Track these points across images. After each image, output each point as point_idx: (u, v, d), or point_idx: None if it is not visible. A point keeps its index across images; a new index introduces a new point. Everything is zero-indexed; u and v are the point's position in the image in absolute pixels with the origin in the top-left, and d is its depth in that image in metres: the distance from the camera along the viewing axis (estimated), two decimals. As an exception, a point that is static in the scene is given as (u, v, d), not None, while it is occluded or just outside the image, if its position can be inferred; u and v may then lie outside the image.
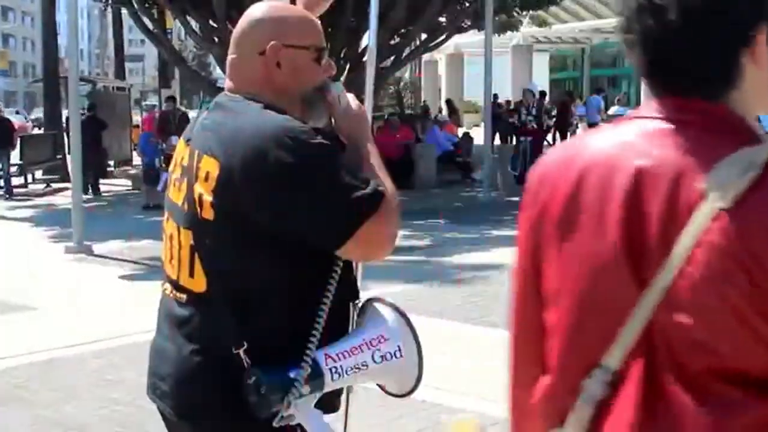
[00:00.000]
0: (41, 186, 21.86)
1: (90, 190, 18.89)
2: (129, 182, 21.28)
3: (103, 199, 19.14)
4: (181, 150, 2.36)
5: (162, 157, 17.01)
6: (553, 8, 31.86)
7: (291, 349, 2.16)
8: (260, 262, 2.19)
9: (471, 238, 12.70)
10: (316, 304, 2.20)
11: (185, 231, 2.26)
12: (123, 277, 10.41)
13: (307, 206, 2.13)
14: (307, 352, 2.15)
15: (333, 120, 2.38)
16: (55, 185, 21.59)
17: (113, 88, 29.58)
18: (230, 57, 2.37)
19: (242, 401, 2.14)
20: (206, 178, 2.18)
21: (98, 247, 12.04)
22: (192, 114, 39.19)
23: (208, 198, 2.17)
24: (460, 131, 25.47)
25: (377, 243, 2.21)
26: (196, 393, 2.25)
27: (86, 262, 11.35)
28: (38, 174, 22.65)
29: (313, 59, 2.35)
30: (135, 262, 11.15)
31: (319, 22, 2.42)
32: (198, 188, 2.19)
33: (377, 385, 2.40)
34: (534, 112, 19.84)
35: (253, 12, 2.36)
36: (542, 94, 21.28)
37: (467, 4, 21.75)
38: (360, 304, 2.36)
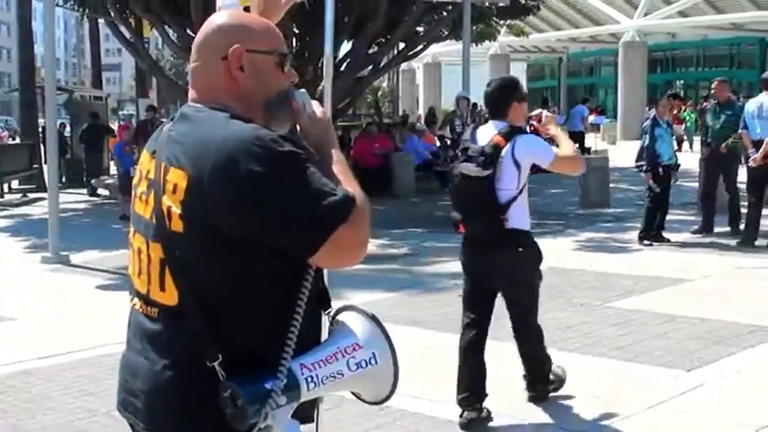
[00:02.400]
0: (17, 196, 21.73)
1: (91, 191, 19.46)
2: (106, 192, 21.19)
3: (80, 209, 19.04)
4: (146, 163, 2.34)
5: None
6: (530, 18, 31.97)
7: (266, 360, 2.15)
8: (231, 274, 2.17)
9: (449, 247, 12.69)
10: (289, 314, 2.19)
11: (154, 244, 2.24)
12: (100, 287, 10.36)
13: (278, 215, 2.11)
14: (283, 362, 2.15)
15: (298, 127, 2.39)
16: (31, 195, 21.47)
17: (90, 97, 29.47)
18: (192, 64, 2.37)
19: (218, 416, 2.13)
20: (174, 190, 2.16)
21: (75, 257, 11.99)
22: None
23: (176, 210, 2.16)
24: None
25: (349, 249, 2.20)
26: (169, 409, 2.23)
27: (63, 272, 11.29)
28: (14, 184, 22.52)
29: (275, 64, 2.34)
30: (112, 272, 11.09)
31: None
32: (166, 201, 2.18)
33: (352, 393, 2.40)
34: (469, 121, 16.71)
35: (214, 19, 2.37)
36: (474, 105, 18.67)
37: (445, 14, 21.82)
38: (332, 313, 2.36)
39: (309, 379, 2.17)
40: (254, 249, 2.15)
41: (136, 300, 2.35)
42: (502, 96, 5.66)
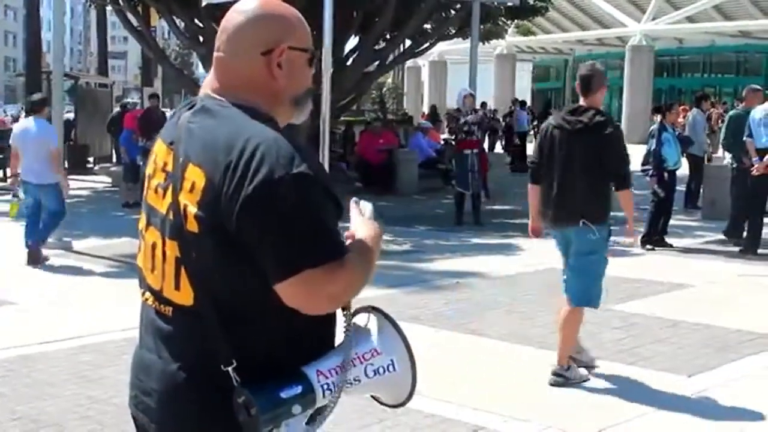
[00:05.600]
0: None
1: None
2: (109, 179, 21.18)
3: (83, 196, 19.03)
4: (162, 153, 2.24)
5: (143, 156, 16.95)
6: (537, 18, 31.96)
7: (282, 365, 2.10)
8: (247, 277, 2.09)
9: (451, 245, 12.71)
10: (306, 318, 2.12)
11: (171, 242, 2.16)
12: (102, 274, 10.36)
13: (273, 232, 2.03)
14: (300, 369, 2.10)
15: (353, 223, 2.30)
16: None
17: (95, 84, 29.49)
18: (219, 54, 2.23)
19: (231, 420, 2.08)
20: (191, 189, 2.09)
21: (78, 244, 12.00)
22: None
23: (192, 210, 2.09)
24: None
25: (313, 296, 2.07)
26: (182, 411, 2.17)
27: (66, 259, 11.28)
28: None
29: (307, 61, 2.26)
30: (114, 260, 11.10)
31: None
32: (183, 199, 2.11)
33: (371, 396, 2.35)
34: (476, 119, 15.48)
35: (248, 6, 2.21)
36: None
37: (453, 12, 21.80)
38: (350, 314, 2.25)
39: (325, 386, 2.11)
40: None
41: (148, 295, 2.28)
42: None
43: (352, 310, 2.25)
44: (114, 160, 23.88)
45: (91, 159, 25.10)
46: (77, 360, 6.75)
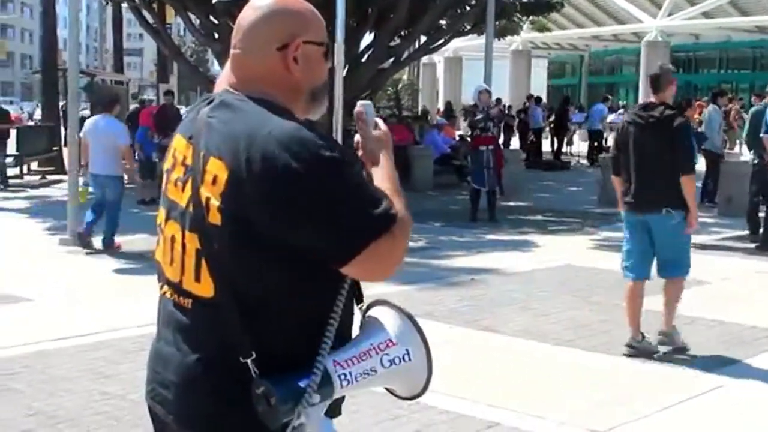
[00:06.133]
0: (37, 177, 21.81)
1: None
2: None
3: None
4: (181, 148, 2.25)
5: (159, 152, 17.00)
6: (553, 14, 31.85)
7: (300, 357, 2.10)
8: (269, 269, 2.10)
9: (465, 242, 12.71)
10: (325, 311, 2.14)
11: (191, 234, 2.16)
12: (117, 270, 10.40)
13: (315, 220, 2.04)
14: (318, 359, 2.10)
15: (357, 137, 2.35)
16: (50, 177, 21.55)
17: (111, 81, 29.59)
18: (236, 51, 2.25)
19: (250, 412, 2.08)
20: (213, 182, 2.09)
21: (94, 241, 12.01)
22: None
23: (215, 202, 2.08)
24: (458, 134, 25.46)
25: (384, 264, 2.12)
26: (200, 403, 2.17)
27: (80, 255, 11.32)
28: (34, 166, 22.59)
29: (323, 54, 2.28)
30: (129, 256, 11.13)
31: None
32: (204, 192, 2.10)
33: (385, 388, 2.35)
34: (495, 114, 15.46)
35: (263, 3, 2.24)
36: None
37: (468, 8, 21.77)
38: (364, 307, 2.30)
39: (342, 376, 2.13)
40: (290, 247, 2.08)
41: (166, 288, 2.28)
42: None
43: (365, 304, 2.28)
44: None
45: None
46: (93, 356, 6.78)
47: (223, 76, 2.31)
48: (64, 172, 17.60)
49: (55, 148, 22.83)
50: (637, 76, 43.72)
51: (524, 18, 28.74)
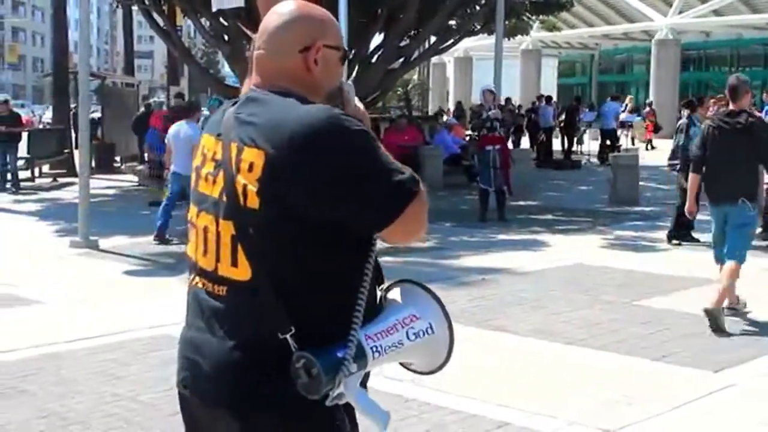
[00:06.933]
0: (48, 180, 21.89)
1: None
2: (136, 178, 21.30)
3: (109, 195, 19.16)
4: (210, 145, 2.42)
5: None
6: (562, 13, 31.82)
7: (334, 331, 2.23)
8: (304, 249, 2.25)
9: (476, 242, 12.70)
10: (355, 287, 2.28)
11: (225, 222, 2.30)
12: (127, 272, 10.43)
13: (357, 191, 2.21)
14: (352, 332, 2.23)
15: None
16: (61, 179, 21.62)
17: (122, 83, 29.65)
18: (260, 53, 2.42)
19: (289, 389, 2.19)
20: (250, 169, 2.23)
21: (104, 243, 12.06)
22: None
23: (252, 188, 2.23)
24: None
25: (419, 223, 2.32)
26: (240, 384, 2.27)
27: (91, 257, 11.36)
28: (45, 168, 22.67)
29: (339, 59, 2.46)
30: (140, 258, 11.17)
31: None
32: (241, 179, 2.24)
33: (401, 365, 2.47)
34: (496, 114, 15.01)
35: (286, 9, 2.41)
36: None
37: (478, 8, 21.75)
38: (384, 287, 2.45)
39: (374, 348, 2.26)
40: (327, 225, 2.23)
41: (197, 279, 2.42)
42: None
43: (385, 285, 2.44)
44: (140, 160, 24.01)
45: (117, 158, 25.23)
46: (103, 358, 6.80)
47: (246, 82, 2.50)
48: (75, 175, 17.67)
49: (66, 151, 22.91)
50: (647, 75, 43.65)
51: (534, 17, 28.70)
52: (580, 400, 5.88)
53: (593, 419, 5.52)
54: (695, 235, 12.45)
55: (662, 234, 12.69)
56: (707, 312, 7.55)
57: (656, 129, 33.61)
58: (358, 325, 2.25)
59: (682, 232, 12.33)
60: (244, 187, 2.24)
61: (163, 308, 8.21)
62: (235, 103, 2.41)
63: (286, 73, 2.37)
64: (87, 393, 5.96)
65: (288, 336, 2.20)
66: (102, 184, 20.16)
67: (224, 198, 2.30)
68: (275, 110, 2.28)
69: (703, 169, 8.30)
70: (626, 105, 35.98)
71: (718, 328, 7.46)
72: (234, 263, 2.29)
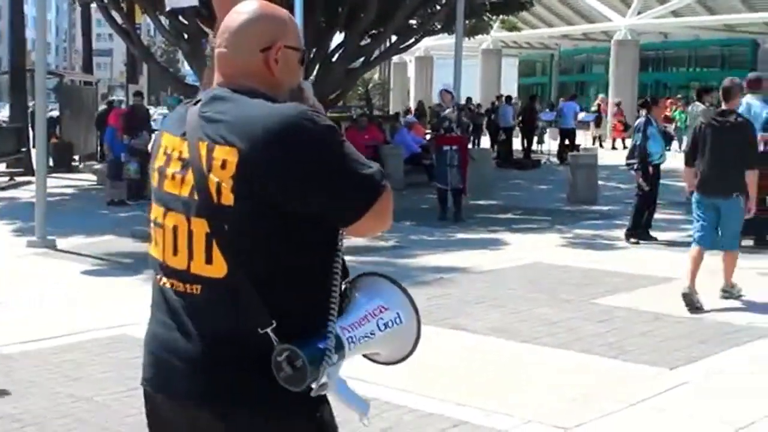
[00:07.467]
0: (5, 179, 21.65)
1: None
2: (94, 177, 21.14)
3: (67, 194, 18.99)
4: (174, 144, 2.41)
5: (128, 153, 16.92)
6: (523, 13, 31.97)
7: (310, 324, 2.27)
8: (279, 243, 2.28)
9: (435, 241, 12.74)
10: (327, 281, 2.33)
11: (198, 220, 2.31)
12: (85, 272, 10.34)
13: (329, 185, 2.27)
14: (330, 324, 2.28)
15: None
16: (18, 178, 21.40)
17: (80, 82, 29.37)
18: (221, 50, 2.44)
19: (269, 383, 2.21)
20: (223, 166, 2.25)
21: (61, 242, 11.95)
22: (159, 111, 38.58)
23: (227, 185, 2.25)
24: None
25: (385, 218, 2.37)
26: (220, 381, 2.28)
27: (49, 257, 11.26)
28: (2, 167, 22.42)
29: (299, 60, 2.50)
30: (98, 258, 11.08)
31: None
32: (214, 177, 2.26)
33: (364, 356, 2.49)
34: (455, 114, 15.05)
35: (248, 8, 2.44)
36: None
37: (438, 8, 21.79)
38: (349, 280, 2.48)
39: (350, 339, 2.31)
40: (300, 218, 2.27)
41: (165, 279, 2.41)
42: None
43: (351, 277, 2.48)
44: (100, 157, 23.83)
45: (76, 157, 25.01)
46: (60, 359, 6.73)
47: (205, 78, 2.57)
48: (32, 174, 17.49)
49: (23, 150, 22.66)
50: (607, 75, 43.93)
51: (494, 17, 28.81)
52: (538, 399, 5.92)
53: (550, 417, 5.56)
54: (653, 233, 12.58)
55: (620, 233, 12.79)
56: (725, 296, 8.75)
57: (626, 128, 33.88)
58: (335, 317, 2.29)
59: (639, 230, 12.44)
60: (218, 184, 2.26)
61: (121, 308, 8.17)
62: (197, 102, 2.42)
63: (249, 71, 2.40)
64: (42, 394, 5.90)
65: (269, 330, 2.22)
66: (60, 183, 19.99)
67: (195, 196, 2.31)
68: (244, 108, 2.30)
69: (695, 163, 8.81)
70: (598, 105, 36.29)
71: (731, 295, 8.73)
72: (208, 261, 2.30)
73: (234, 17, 2.44)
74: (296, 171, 2.23)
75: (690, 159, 8.92)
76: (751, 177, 8.61)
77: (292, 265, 2.29)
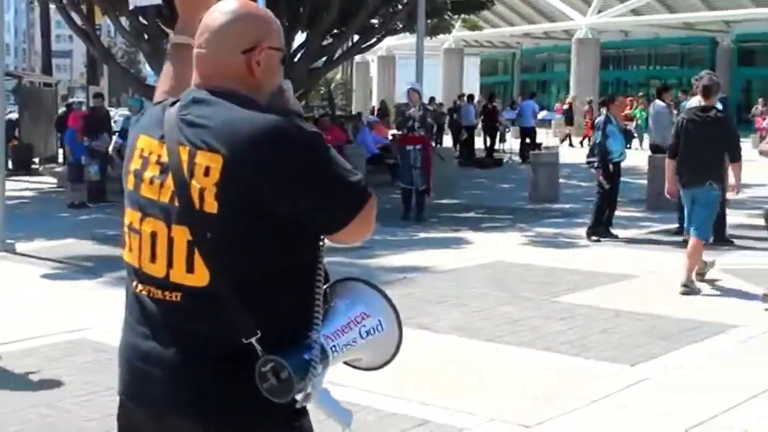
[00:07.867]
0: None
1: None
2: (54, 180, 20.95)
3: (26, 197, 18.82)
4: (151, 147, 2.33)
5: (88, 155, 16.78)
6: (484, 12, 32.08)
7: (294, 333, 2.23)
8: (268, 245, 2.22)
9: (398, 240, 12.74)
10: (311, 288, 2.28)
11: (178, 227, 2.24)
12: (45, 276, 10.24)
13: (320, 187, 2.23)
14: (313, 333, 2.24)
15: None
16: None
17: (40, 83, 29.12)
18: (201, 51, 2.35)
19: (253, 392, 2.17)
20: (206, 173, 2.18)
21: (21, 246, 11.83)
22: (120, 112, 38.04)
23: (210, 192, 2.18)
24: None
25: (369, 224, 2.33)
26: (202, 391, 2.23)
27: (7, 261, 11.14)
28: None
29: (280, 60, 2.41)
30: (58, 262, 10.98)
31: None
32: (196, 184, 2.19)
33: (345, 363, 2.46)
34: (420, 114, 14.80)
35: (230, 8, 2.35)
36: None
37: (400, 7, 21.82)
38: (330, 285, 2.43)
39: (333, 348, 2.28)
40: (285, 225, 2.22)
41: (141, 286, 2.33)
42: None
43: (330, 283, 2.43)
44: (60, 160, 23.62)
45: (36, 159, 24.79)
46: (19, 364, 6.66)
47: (163, 78, 2.53)
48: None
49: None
50: (568, 73, 44.20)
51: (455, 16, 28.89)
52: (500, 397, 5.94)
53: (512, 415, 5.58)
54: (614, 231, 12.66)
55: (582, 231, 12.87)
56: (684, 291, 8.82)
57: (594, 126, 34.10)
58: (320, 326, 2.25)
59: (601, 228, 12.53)
60: (201, 191, 2.19)
61: (82, 313, 8.11)
62: (174, 103, 2.34)
63: (229, 72, 2.32)
64: (2, 400, 5.82)
65: (253, 340, 2.17)
66: (19, 186, 19.81)
67: (176, 202, 2.24)
68: (227, 112, 2.23)
69: (677, 156, 9.36)
70: (569, 104, 36.45)
71: (691, 291, 8.85)
72: (189, 269, 2.23)
73: (215, 16, 2.35)
74: (287, 172, 2.17)
75: (674, 152, 9.45)
76: (736, 169, 9.20)
77: (277, 273, 2.23)
